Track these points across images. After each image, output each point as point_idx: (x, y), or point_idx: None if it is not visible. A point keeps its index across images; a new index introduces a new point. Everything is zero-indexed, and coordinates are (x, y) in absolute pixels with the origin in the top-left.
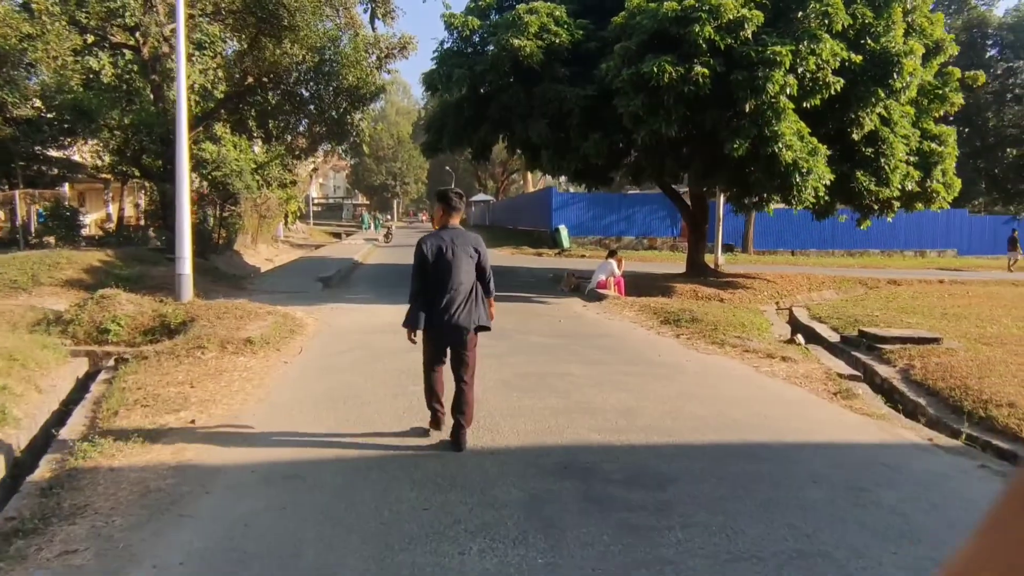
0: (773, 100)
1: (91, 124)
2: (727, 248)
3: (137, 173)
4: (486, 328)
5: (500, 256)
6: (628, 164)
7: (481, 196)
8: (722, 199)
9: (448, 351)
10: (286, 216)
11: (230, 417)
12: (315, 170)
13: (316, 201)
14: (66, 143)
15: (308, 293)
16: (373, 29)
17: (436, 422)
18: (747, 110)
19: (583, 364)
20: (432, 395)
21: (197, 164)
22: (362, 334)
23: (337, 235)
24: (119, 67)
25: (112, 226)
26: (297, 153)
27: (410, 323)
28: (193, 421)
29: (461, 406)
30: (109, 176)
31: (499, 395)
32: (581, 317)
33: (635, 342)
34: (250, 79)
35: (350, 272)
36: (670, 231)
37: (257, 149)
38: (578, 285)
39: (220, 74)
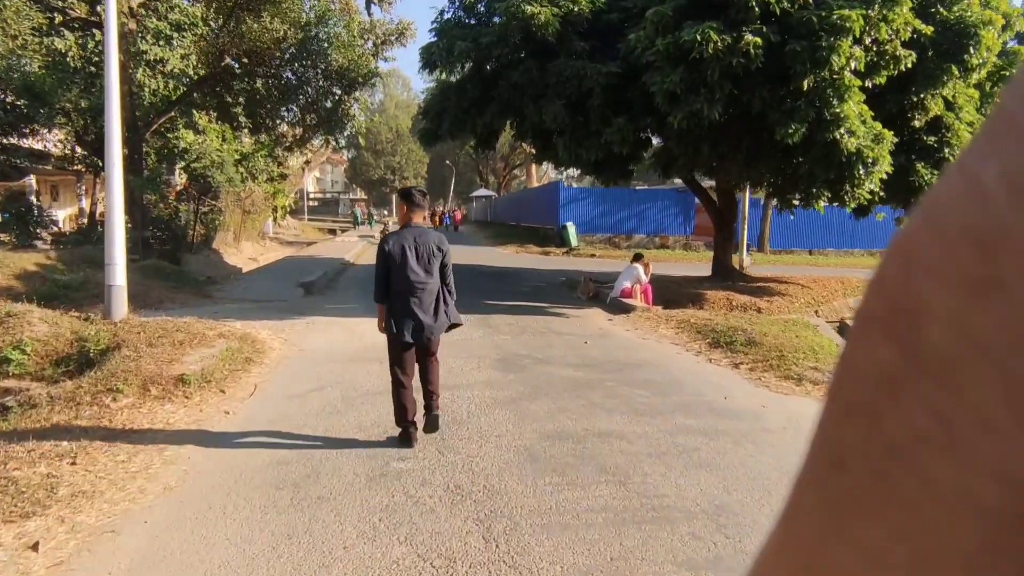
0: (836, 76)
1: (44, 108)
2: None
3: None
4: (458, 325)
5: (504, 255)
6: (656, 153)
7: (483, 191)
8: (747, 195)
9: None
10: (275, 211)
11: (95, 537)
12: (308, 163)
13: (312, 196)
14: (26, 131)
15: (285, 302)
16: (369, 15)
17: (407, 438)
18: (804, 88)
19: (630, 415)
20: (402, 411)
21: (169, 154)
22: (338, 363)
23: (332, 231)
24: (87, 49)
25: (85, 222)
26: (288, 144)
27: (390, 330)
28: (36, 545)
29: (429, 376)
30: (80, 167)
31: (521, 477)
32: (609, 336)
33: (686, 375)
34: (227, 59)
35: (338, 275)
36: (682, 229)
37: (246, 140)
38: (597, 292)
39: (192, 58)
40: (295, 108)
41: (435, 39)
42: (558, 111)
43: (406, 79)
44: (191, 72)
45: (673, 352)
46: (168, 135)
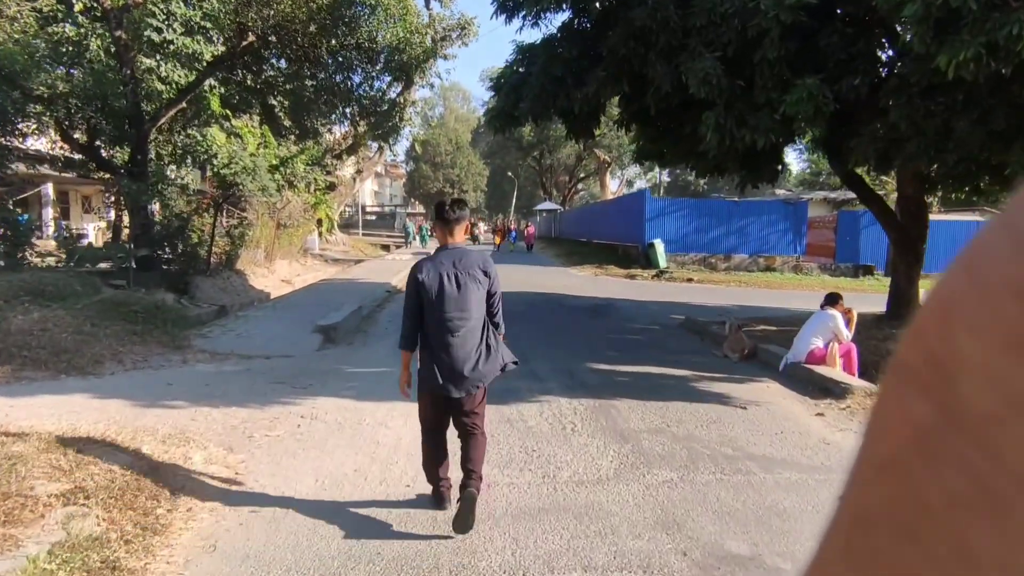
0: None
1: (15, 91)
2: (866, 270)
3: (92, 164)
4: (514, 365)
5: (582, 280)
6: (869, 134)
7: (547, 205)
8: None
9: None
10: (319, 224)
11: None
12: (360, 172)
13: (369, 209)
14: (27, 130)
15: (288, 359)
16: (428, 8)
17: (439, 499)
18: None
19: None
20: (434, 467)
21: (184, 155)
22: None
23: (386, 248)
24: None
25: (111, 236)
26: (337, 152)
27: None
28: None
29: (469, 452)
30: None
31: None
32: (843, 451)
33: None
34: (251, 37)
35: (378, 308)
36: (792, 248)
37: (293, 149)
38: (754, 349)
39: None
40: (345, 109)
41: None
42: (711, 69)
43: (466, 91)
44: (204, 52)
45: None
46: (184, 132)
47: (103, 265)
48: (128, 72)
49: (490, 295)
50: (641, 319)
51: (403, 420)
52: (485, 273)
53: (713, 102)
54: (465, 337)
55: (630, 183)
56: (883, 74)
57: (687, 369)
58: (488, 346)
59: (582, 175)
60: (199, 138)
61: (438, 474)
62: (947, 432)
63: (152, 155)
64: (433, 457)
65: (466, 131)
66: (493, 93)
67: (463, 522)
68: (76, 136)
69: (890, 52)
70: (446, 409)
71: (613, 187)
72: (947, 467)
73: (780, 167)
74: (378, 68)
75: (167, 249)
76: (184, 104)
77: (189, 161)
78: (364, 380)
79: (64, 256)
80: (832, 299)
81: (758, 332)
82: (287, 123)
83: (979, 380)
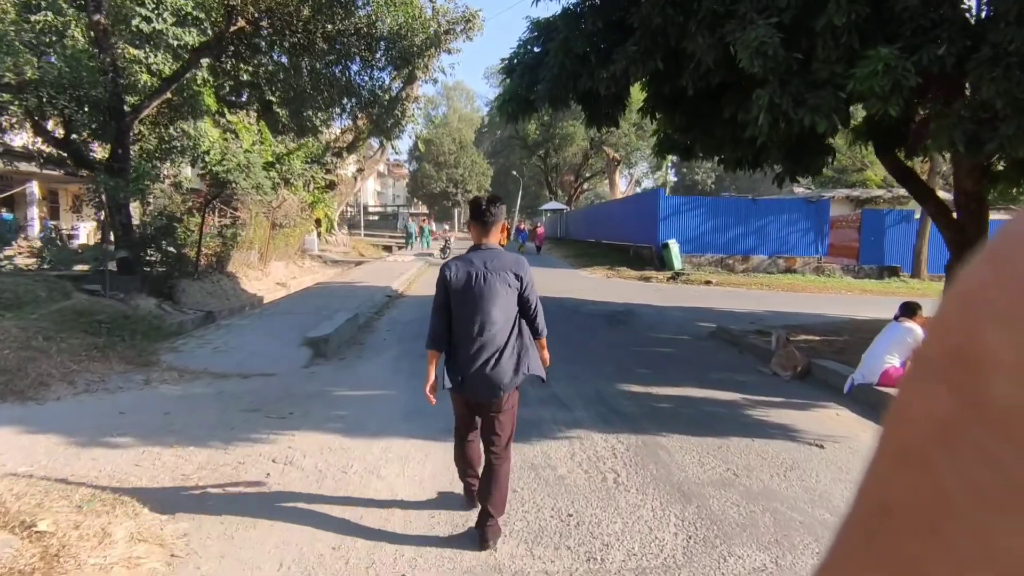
0: None
1: None
2: (891, 271)
3: (70, 160)
4: (540, 379)
5: (594, 283)
6: (954, 114)
7: (553, 204)
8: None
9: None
10: (318, 224)
11: None
12: (361, 171)
13: (372, 209)
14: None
15: (270, 378)
16: (432, 1)
17: (470, 497)
18: None
19: None
20: (464, 464)
21: (171, 150)
22: None
23: (388, 248)
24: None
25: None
26: (337, 150)
27: (449, 384)
28: None
29: (489, 487)
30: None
31: None
32: None
33: None
34: (240, 21)
35: (377, 314)
36: (813, 248)
37: (291, 146)
38: (808, 366)
39: (201, 20)
40: (344, 102)
41: None
42: (766, 38)
43: (469, 90)
44: (189, 39)
45: None
46: (172, 125)
47: (81, 268)
48: (108, 60)
49: (524, 299)
50: (666, 328)
51: (399, 467)
52: (517, 276)
53: (765, 79)
54: (488, 340)
55: (638, 182)
56: (968, 44)
57: (735, 391)
58: (514, 352)
59: (588, 174)
60: (191, 133)
61: (467, 475)
62: (972, 425)
63: (136, 150)
64: (461, 455)
65: (469, 130)
66: (504, 76)
67: (482, 542)
68: (51, 128)
69: (982, 15)
70: (472, 410)
71: (622, 186)
72: (971, 460)
73: (831, 158)
74: (378, 56)
75: (150, 251)
76: (169, 95)
77: (180, 157)
78: (355, 407)
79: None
80: (910, 309)
81: (800, 343)
82: (285, 119)
83: (1006, 373)
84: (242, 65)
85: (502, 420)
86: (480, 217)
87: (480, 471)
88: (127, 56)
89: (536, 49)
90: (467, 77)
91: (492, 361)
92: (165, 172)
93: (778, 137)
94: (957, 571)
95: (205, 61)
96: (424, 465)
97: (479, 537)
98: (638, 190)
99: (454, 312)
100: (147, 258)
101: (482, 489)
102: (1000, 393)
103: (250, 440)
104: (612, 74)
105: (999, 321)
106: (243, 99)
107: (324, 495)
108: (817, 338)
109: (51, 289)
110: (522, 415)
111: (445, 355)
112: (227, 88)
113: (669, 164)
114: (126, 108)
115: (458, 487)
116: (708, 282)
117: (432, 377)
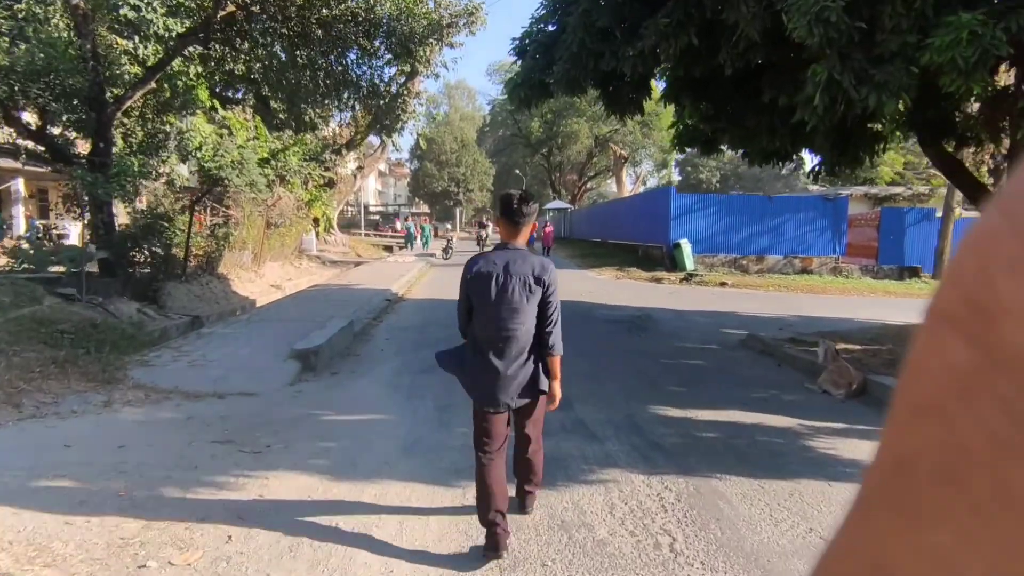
0: None
1: None
2: (912, 272)
3: (47, 154)
4: (543, 393)
5: (605, 284)
6: None
7: (557, 203)
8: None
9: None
10: (316, 223)
11: None
12: (361, 169)
13: (373, 208)
14: None
15: (251, 399)
16: None
17: (494, 543)
18: None
19: None
20: (488, 496)
21: (158, 145)
22: None
23: (388, 248)
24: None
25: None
26: (336, 147)
27: (475, 397)
28: None
29: (529, 470)
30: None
31: None
32: None
33: None
34: (230, 6)
35: (375, 320)
36: (830, 247)
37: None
38: (864, 382)
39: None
40: (342, 94)
41: None
42: (829, 2)
43: (471, 90)
44: (178, 28)
45: None
46: (159, 118)
47: (57, 270)
48: (88, 47)
49: (545, 304)
50: (691, 335)
51: (397, 526)
52: (539, 281)
53: (822, 52)
54: (505, 347)
55: (644, 181)
56: None
57: (787, 415)
58: (534, 362)
59: (592, 173)
60: (182, 127)
61: (490, 515)
62: (988, 374)
63: (120, 144)
64: (485, 483)
65: (471, 129)
66: (517, 58)
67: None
68: (27, 120)
69: None
70: (492, 421)
71: (628, 185)
72: (989, 409)
73: (882, 146)
74: (377, 45)
75: (134, 251)
76: (155, 84)
77: (169, 153)
78: (345, 436)
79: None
80: None
81: (843, 354)
82: (282, 114)
83: (1021, 321)
84: (232, 53)
85: (529, 427)
86: (511, 216)
87: (506, 505)
88: (115, 46)
89: (551, 27)
90: (469, 76)
91: (506, 369)
92: (162, 169)
93: (831, 122)
94: (978, 519)
95: (195, 49)
96: (428, 524)
97: (519, 506)
98: (641, 189)
99: (475, 313)
100: (130, 259)
101: (521, 471)
102: (1016, 341)
103: (215, 485)
104: (639, 51)
105: (1012, 269)
106: (239, 95)
107: (296, 571)
108: (858, 347)
109: (18, 294)
110: (544, 447)
111: (464, 357)
112: (219, 81)
113: (674, 162)
114: (108, 99)
115: (469, 543)
116: (723, 284)
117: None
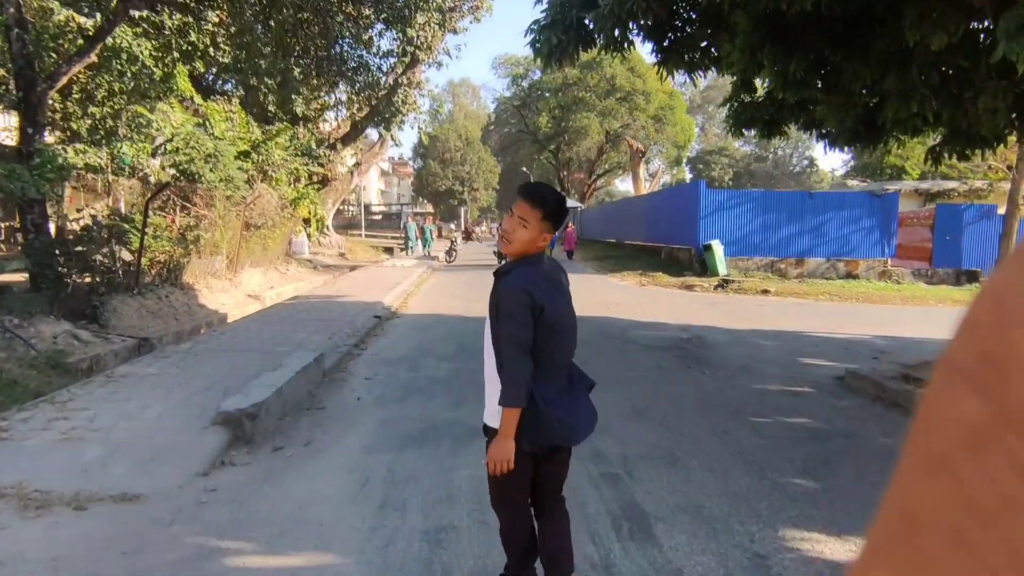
0: None
1: None
2: (970, 276)
3: None
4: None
5: (629, 292)
6: None
7: (568, 202)
8: None
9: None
10: (307, 224)
11: None
12: (358, 165)
13: (375, 208)
14: None
15: (113, 525)
16: None
17: None
18: None
19: None
20: (529, 549)
21: (108, 133)
22: None
23: (388, 251)
24: None
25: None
26: (331, 142)
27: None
28: None
29: (560, 545)
30: None
31: None
32: None
33: None
34: None
35: (356, 348)
36: (878, 249)
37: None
38: None
39: None
40: (329, 71)
41: None
42: None
43: (475, 88)
44: None
45: None
46: (111, 101)
47: None
48: (12, 11)
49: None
50: (768, 371)
51: None
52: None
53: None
54: (572, 368)
55: (659, 179)
56: None
57: None
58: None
59: (602, 170)
60: (148, 116)
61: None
62: (1001, 431)
63: (56, 131)
64: (526, 536)
65: (476, 127)
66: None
67: None
68: None
69: None
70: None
71: (655, 179)
72: (1001, 468)
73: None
74: (366, 14)
75: (67, 259)
76: (95, 57)
77: (124, 142)
78: None
79: None
80: None
81: None
82: (272, 107)
83: None
84: (195, 23)
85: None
86: (557, 217)
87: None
88: (51, 8)
89: None
90: (473, 74)
91: (578, 401)
92: (103, 161)
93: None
94: None
95: (144, 15)
96: None
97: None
98: (657, 187)
99: (554, 340)
100: (60, 270)
101: (551, 554)
102: None
103: None
104: None
105: None
106: (228, 87)
107: None
108: None
109: None
110: None
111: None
112: (201, 68)
113: (685, 160)
114: (38, 74)
115: None
116: (766, 291)
117: (511, 444)
